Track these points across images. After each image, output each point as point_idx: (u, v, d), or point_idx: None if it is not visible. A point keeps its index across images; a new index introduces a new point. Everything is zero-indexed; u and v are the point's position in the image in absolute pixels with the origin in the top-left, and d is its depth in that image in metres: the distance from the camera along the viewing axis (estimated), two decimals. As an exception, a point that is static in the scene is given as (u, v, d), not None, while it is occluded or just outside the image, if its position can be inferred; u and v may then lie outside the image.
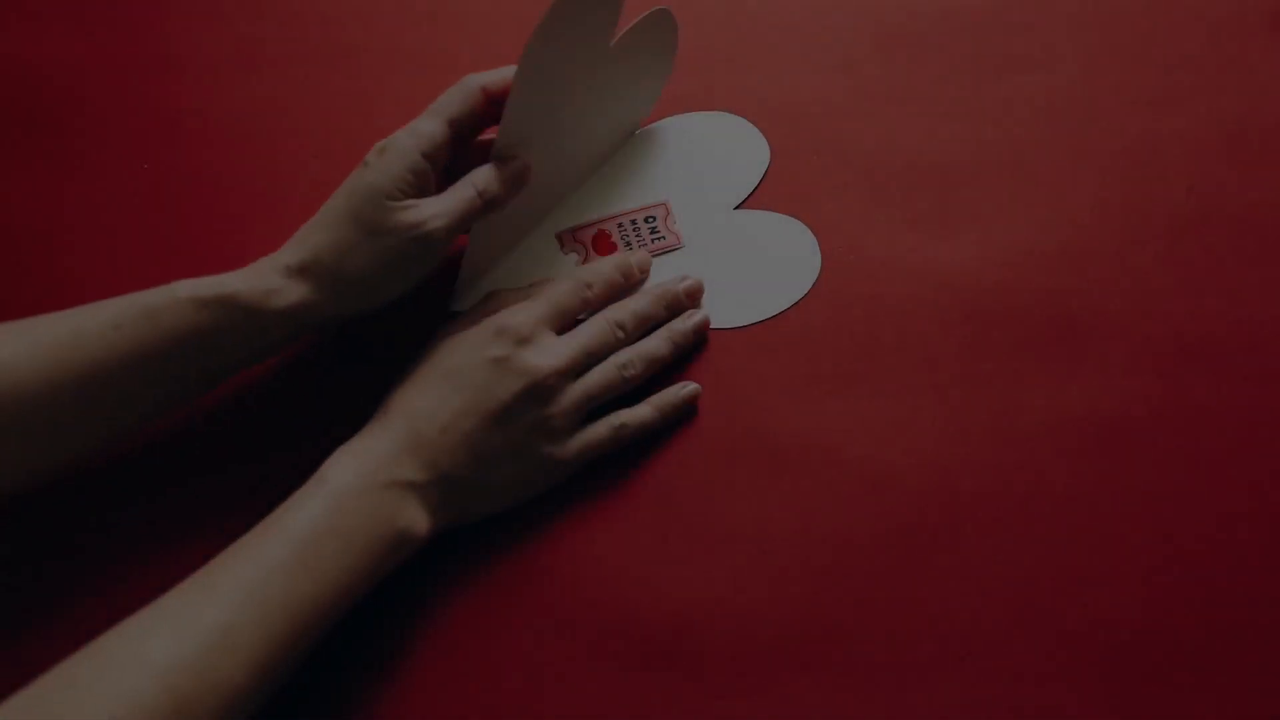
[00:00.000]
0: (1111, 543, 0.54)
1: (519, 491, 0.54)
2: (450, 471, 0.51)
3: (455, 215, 0.53)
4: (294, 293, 0.52)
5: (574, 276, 0.57)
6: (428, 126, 0.53)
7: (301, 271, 0.52)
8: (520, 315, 0.54)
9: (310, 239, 0.53)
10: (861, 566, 0.53)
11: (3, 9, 0.68)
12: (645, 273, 0.59)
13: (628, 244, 0.60)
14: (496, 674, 0.51)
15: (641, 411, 0.55)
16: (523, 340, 0.53)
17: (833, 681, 0.51)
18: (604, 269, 0.58)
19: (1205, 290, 0.59)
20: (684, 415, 0.56)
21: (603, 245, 0.60)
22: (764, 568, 0.53)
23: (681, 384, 0.57)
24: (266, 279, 0.52)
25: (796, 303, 0.59)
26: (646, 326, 0.57)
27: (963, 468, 0.55)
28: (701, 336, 0.58)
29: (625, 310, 0.57)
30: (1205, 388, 0.57)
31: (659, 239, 0.60)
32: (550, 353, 0.53)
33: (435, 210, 0.52)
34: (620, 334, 0.56)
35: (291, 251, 0.53)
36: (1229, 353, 0.58)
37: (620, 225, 0.60)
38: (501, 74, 0.55)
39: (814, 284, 0.60)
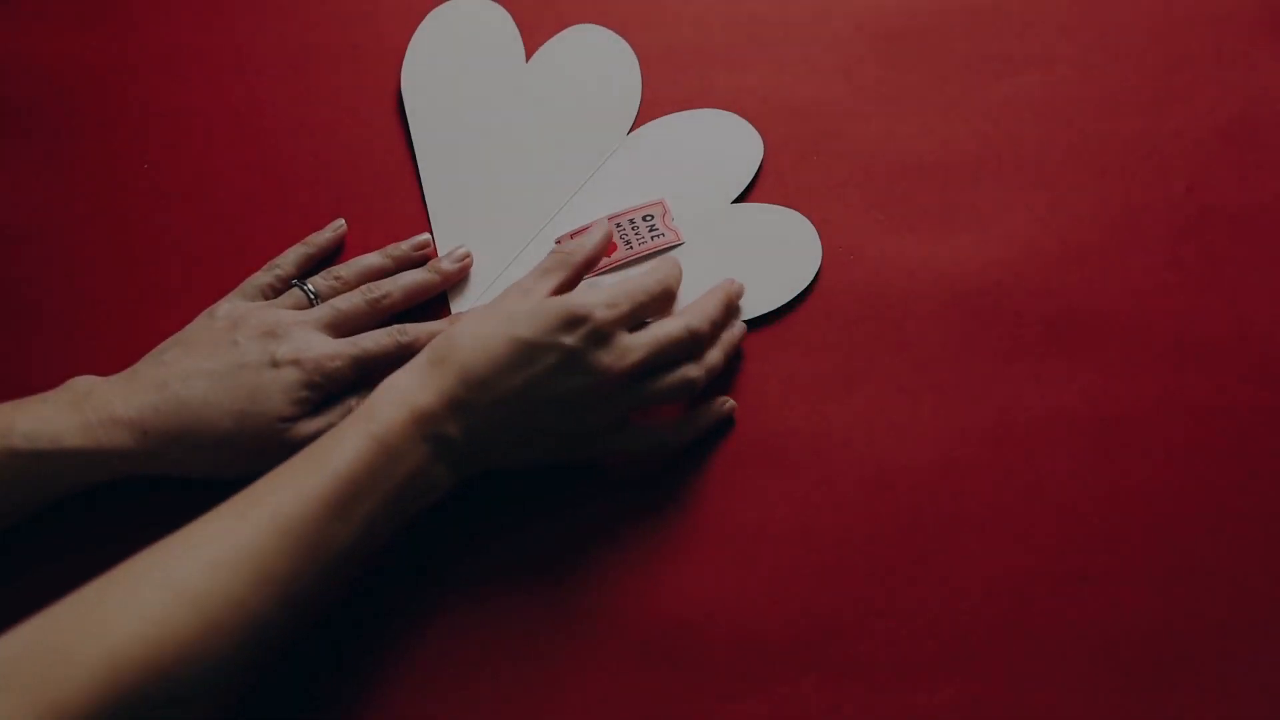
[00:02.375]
0: (1111, 542, 0.54)
1: (544, 461, 0.54)
2: (489, 440, 0.51)
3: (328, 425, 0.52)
4: (128, 445, 0.51)
5: (659, 280, 0.55)
6: (342, 361, 0.53)
7: (146, 432, 0.51)
8: (602, 311, 0.51)
9: (179, 410, 0.52)
10: (862, 566, 0.53)
11: (3, 9, 0.68)
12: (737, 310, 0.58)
13: (628, 243, 0.60)
14: (496, 674, 0.51)
15: (684, 430, 0.55)
16: (600, 338, 0.51)
17: (833, 681, 0.51)
18: (709, 308, 0.55)
19: (1204, 290, 0.59)
20: (720, 428, 0.56)
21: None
22: (764, 568, 0.53)
23: (722, 399, 0.56)
24: (112, 436, 0.51)
25: (800, 294, 0.59)
26: (717, 333, 0.56)
27: (962, 467, 0.55)
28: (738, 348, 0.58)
29: (702, 316, 0.54)
30: (1205, 387, 0.57)
31: (659, 236, 0.60)
32: (624, 355, 0.52)
33: (318, 425, 0.52)
34: (690, 338, 0.54)
35: (151, 409, 0.52)
36: (1228, 353, 0.58)
37: (620, 226, 0.60)
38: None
39: (817, 272, 0.59)
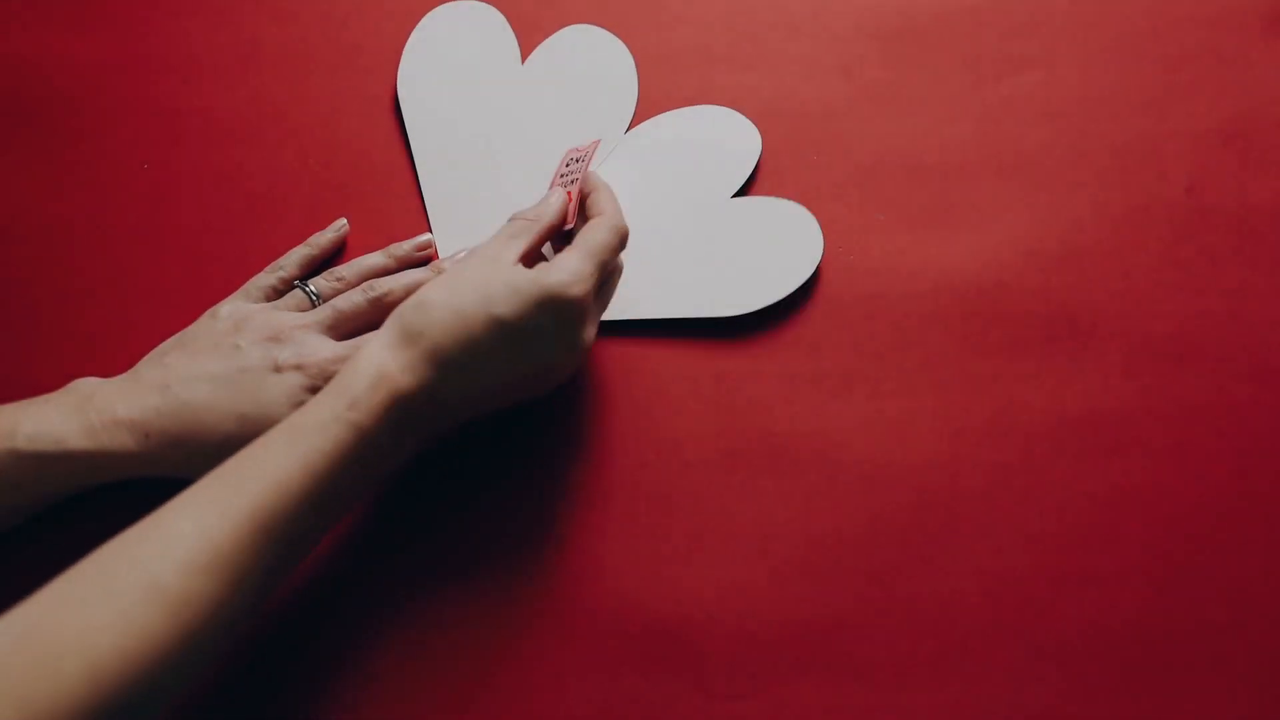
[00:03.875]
0: (1110, 542, 0.54)
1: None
2: (463, 412, 0.51)
3: None
4: (131, 447, 0.51)
5: (611, 228, 0.54)
6: (337, 357, 0.53)
7: (148, 434, 0.51)
8: (578, 288, 0.51)
9: (181, 412, 0.52)
10: (861, 566, 0.54)
11: (3, 9, 0.68)
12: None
13: (574, 180, 0.59)
14: (496, 674, 0.51)
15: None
16: (579, 314, 0.51)
17: (833, 681, 0.51)
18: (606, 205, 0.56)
19: (1204, 290, 0.59)
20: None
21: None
22: (764, 568, 0.53)
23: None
24: (114, 438, 0.51)
25: (804, 285, 0.59)
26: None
27: (962, 467, 0.55)
28: None
29: (615, 217, 0.55)
30: (1204, 387, 0.57)
31: (584, 156, 0.60)
32: (596, 320, 0.54)
33: None
34: (622, 242, 0.55)
35: (154, 411, 0.52)
36: (1228, 353, 0.58)
37: (561, 176, 0.60)
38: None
39: (819, 263, 0.59)
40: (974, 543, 0.54)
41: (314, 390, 0.52)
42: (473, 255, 0.53)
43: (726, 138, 0.63)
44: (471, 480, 0.54)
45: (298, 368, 0.52)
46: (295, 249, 0.60)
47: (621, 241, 0.55)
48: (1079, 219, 0.61)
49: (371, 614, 0.53)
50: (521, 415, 0.56)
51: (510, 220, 0.55)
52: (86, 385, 0.53)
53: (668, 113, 0.64)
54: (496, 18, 0.67)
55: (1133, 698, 0.51)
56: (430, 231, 0.61)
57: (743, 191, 0.62)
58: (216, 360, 0.53)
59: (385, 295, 0.56)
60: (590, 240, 0.53)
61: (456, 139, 0.64)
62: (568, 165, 0.59)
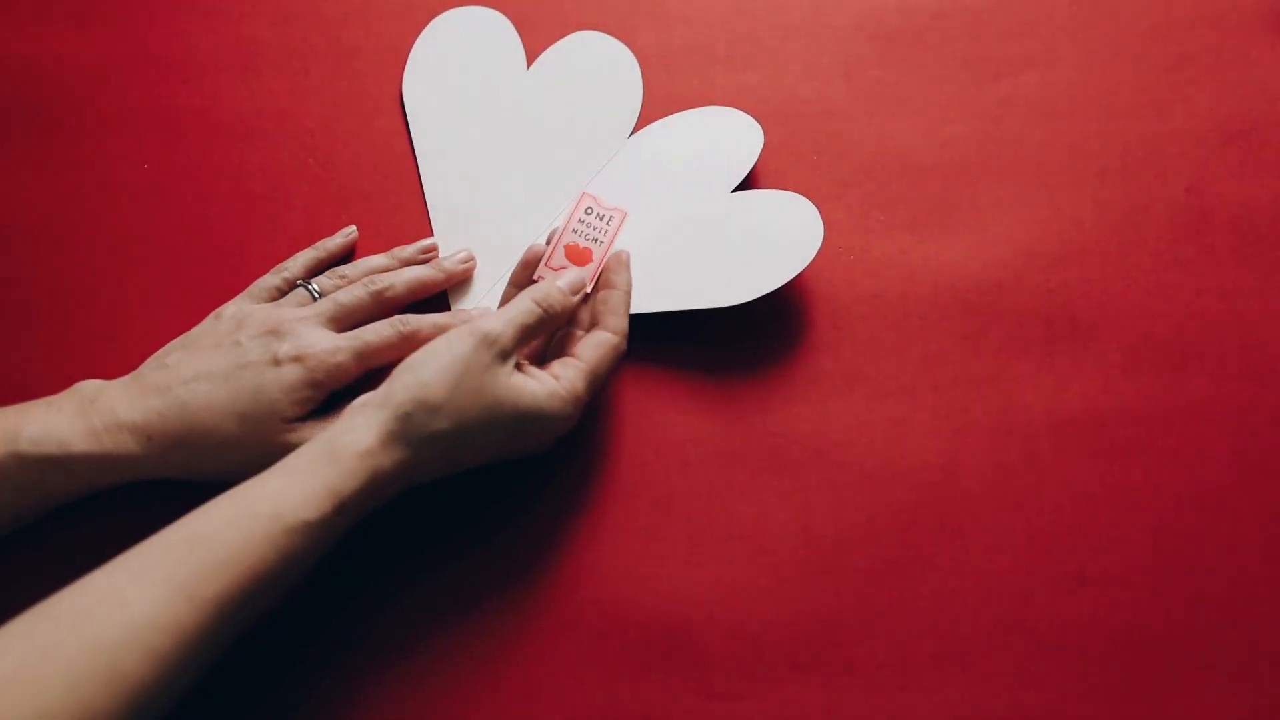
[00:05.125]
0: (1110, 542, 0.54)
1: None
2: (439, 474, 0.51)
3: None
4: (134, 450, 0.51)
5: (617, 351, 0.54)
6: (344, 356, 0.53)
7: (151, 437, 0.51)
8: (575, 415, 0.52)
9: (182, 414, 0.51)
10: (861, 566, 0.54)
11: (3, 9, 0.68)
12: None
13: (597, 240, 0.59)
14: (496, 674, 0.51)
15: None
16: (573, 424, 0.52)
17: (833, 681, 0.51)
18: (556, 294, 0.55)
19: (1205, 290, 0.59)
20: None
21: (578, 256, 0.58)
22: (764, 568, 0.54)
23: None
24: (117, 441, 0.51)
25: (802, 286, 0.59)
26: None
27: (962, 467, 0.55)
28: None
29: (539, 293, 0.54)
30: (1204, 387, 0.57)
31: (610, 219, 0.59)
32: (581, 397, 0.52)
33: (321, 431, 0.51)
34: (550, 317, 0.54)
35: (156, 413, 0.51)
36: (1228, 352, 0.58)
37: (575, 231, 0.59)
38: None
39: (818, 249, 0.58)
40: (973, 542, 0.54)
41: (313, 384, 0.52)
42: (479, 343, 0.50)
43: (728, 135, 0.63)
44: (471, 480, 0.54)
45: (296, 359, 0.52)
46: (302, 251, 0.59)
47: (619, 361, 0.54)
48: (1079, 219, 0.61)
49: (372, 614, 0.53)
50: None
51: (522, 299, 0.53)
52: (89, 388, 0.53)
53: (670, 116, 0.64)
54: (503, 22, 0.67)
55: (1133, 698, 0.51)
56: (433, 235, 0.61)
57: (744, 187, 0.62)
58: (217, 358, 0.53)
59: (386, 289, 0.56)
60: (598, 364, 0.53)
61: (461, 143, 0.64)
62: (584, 216, 0.59)
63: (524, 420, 0.50)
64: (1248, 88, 0.64)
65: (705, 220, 0.60)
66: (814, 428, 0.57)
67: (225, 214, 0.62)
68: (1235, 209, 0.61)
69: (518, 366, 0.51)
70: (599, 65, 0.66)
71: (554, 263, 0.57)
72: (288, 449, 0.50)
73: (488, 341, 0.50)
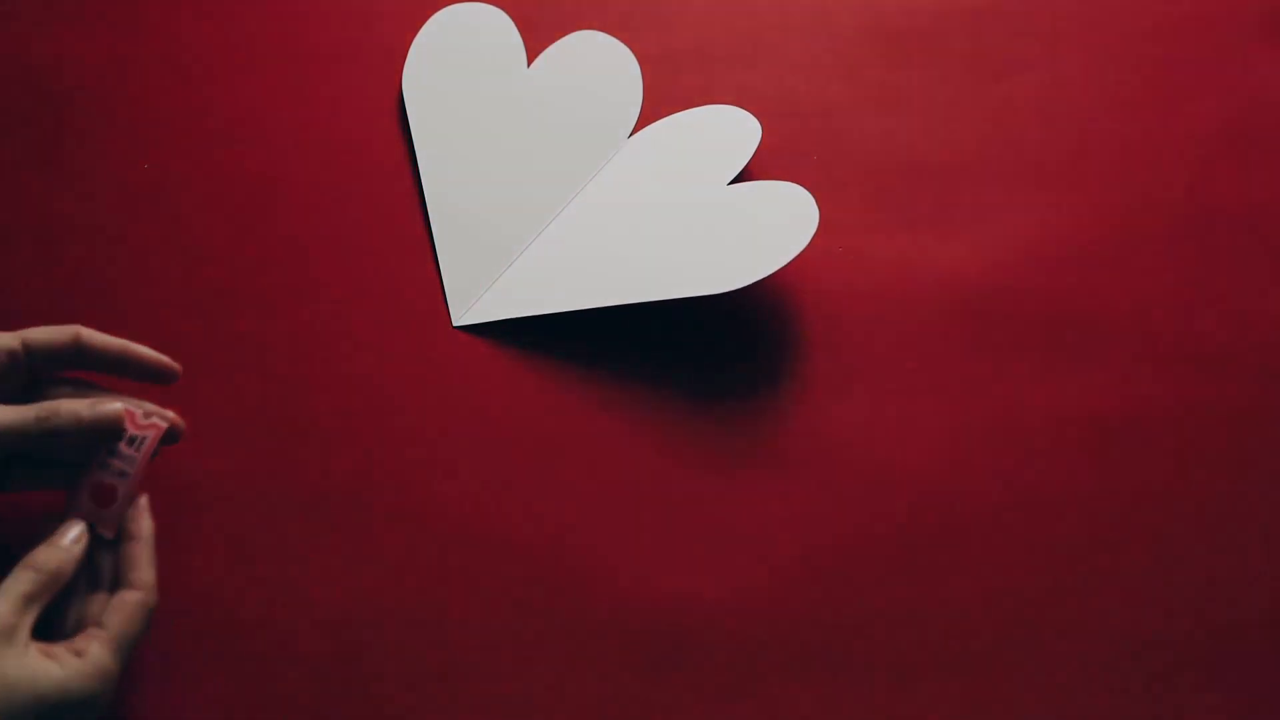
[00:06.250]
0: (1111, 542, 0.54)
1: None
2: None
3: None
4: None
5: (147, 612, 0.47)
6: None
7: None
8: (106, 693, 0.45)
9: None
10: (862, 567, 0.53)
11: (3, 9, 0.68)
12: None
13: (122, 474, 0.49)
14: (496, 674, 0.51)
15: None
16: (104, 705, 0.46)
17: (833, 681, 0.51)
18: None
19: (1205, 290, 0.59)
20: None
21: (102, 496, 0.49)
22: (764, 568, 0.53)
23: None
24: None
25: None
26: None
27: (963, 467, 0.55)
28: None
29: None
30: (1205, 387, 0.57)
31: (140, 443, 0.49)
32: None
33: None
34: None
35: None
36: (1229, 353, 0.58)
37: (101, 465, 0.49)
38: (105, 340, 0.50)
39: (813, 234, 0.57)
40: (974, 542, 0.54)
41: None
42: None
43: (725, 131, 0.63)
44: (471, 480, 0.54)
45: None
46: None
47: (150, 617, 0.48)
48: (1080, 219, 0.61)
49: (371, 614, 0.53)
50: (522, 415, 0.56)
51: (17, 570, 0.46)
52: None
53: (670, 116, 0.64)
54: (504, 20, 0.67)
55: (1133, 698, 0.51)
56: (431, 234, 0.61)
57: (740, 176, 0.62)
58: None
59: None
60: (124, 630, 0.46)
61: (461, 141, 0.64)
62: (118, 448, 0.49)
63: (49, 708, 0.44)
64: (1249, 88, 0.64)
65: (701, 209, 0.60)
66: (814, 428, 0.57)
67: (225, 214, 0.62)
68: (1235, 209, 0.61)
69: (38, 644, 0.45)
70: (599, 64, 0.66)
71: (82, 508, 0.49)
72: None
73: None
